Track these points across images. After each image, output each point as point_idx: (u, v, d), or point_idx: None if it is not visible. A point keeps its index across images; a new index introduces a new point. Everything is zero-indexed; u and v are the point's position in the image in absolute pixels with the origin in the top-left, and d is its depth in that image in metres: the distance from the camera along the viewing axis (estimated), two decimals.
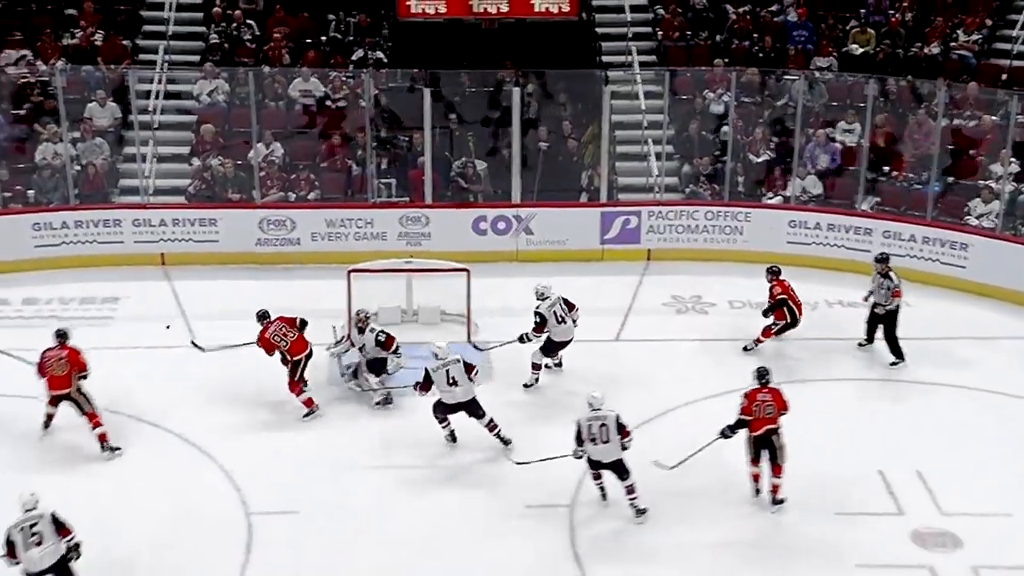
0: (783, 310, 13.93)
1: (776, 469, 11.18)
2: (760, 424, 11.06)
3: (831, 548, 10.64)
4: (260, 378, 12.99)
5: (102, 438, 12.05)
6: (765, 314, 14.07)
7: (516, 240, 16.82)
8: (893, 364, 13.85)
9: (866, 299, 14.08)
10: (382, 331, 12.91)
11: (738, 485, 11.32)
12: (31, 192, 16.78)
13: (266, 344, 12.63)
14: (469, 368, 11.83)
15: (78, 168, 16.91)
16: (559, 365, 13.58)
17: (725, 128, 17.43)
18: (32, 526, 9.54)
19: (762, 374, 11.25)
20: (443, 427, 12.12)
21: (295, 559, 10.43)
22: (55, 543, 9.58)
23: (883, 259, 13.99)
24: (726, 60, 18.50)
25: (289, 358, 12.60)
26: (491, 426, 12.00)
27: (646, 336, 14.60)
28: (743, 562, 10.53)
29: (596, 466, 11.03)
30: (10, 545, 9.49)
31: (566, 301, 13.16)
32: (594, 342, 13.87)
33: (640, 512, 11.00)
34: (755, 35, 19.09)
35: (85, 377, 12.11)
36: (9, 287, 15.67)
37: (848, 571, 10.37)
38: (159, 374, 13.36)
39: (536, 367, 13.27)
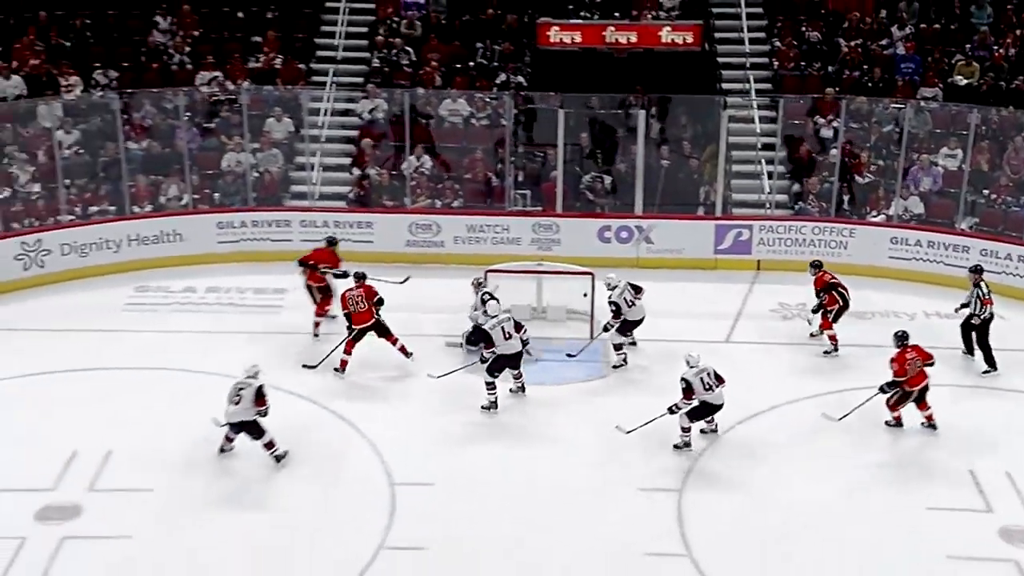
0: (833, 294, 13.79)
1: (923, 404, 11.83)
2: (917, 380, 11.53)
3: (922, 539, 10.40)
4: (405, 363, 13.46)
5: (403, 350, 13.30)
6: (816, 309, 13.92)
7: (637, 248, 16.76)
8: (985, 372, 13.46)
9: (958, 310, 13.68)
10: (486, 292, 13.47)
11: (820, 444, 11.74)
12: (216, 195, 17.32)
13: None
14: (519, 326, 12.45)
15: (256, 175, 17.42)
16: (633, 344, 13.75)
17: (834, 151, 17.10)
18: (240, 389, 10.85)
19: (902, 337, 11.71)
20: (489, 392, 12.42)
21: (431, 527, 10.53)
22: (248, 407, 10.79)
23: (977, 270, 13.65)
24: (837, 89, 18.11)
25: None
26: (518, 375, 12.67)
27: (754, 339, 14.49)
28: (836, 559, 10.33)
29: (702, 414, 11.48)
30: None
31: (633, 285, 13.43)
32: (706, 343, 13.72)
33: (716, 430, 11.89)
34: (865, 66, 18.65)
35: (381, 303, 13.12)
36: (195, 277, 16.20)
37: (938, 562, 10.11)
38: (321, 358, 13.57)
39: (618, 347, 13.54)
